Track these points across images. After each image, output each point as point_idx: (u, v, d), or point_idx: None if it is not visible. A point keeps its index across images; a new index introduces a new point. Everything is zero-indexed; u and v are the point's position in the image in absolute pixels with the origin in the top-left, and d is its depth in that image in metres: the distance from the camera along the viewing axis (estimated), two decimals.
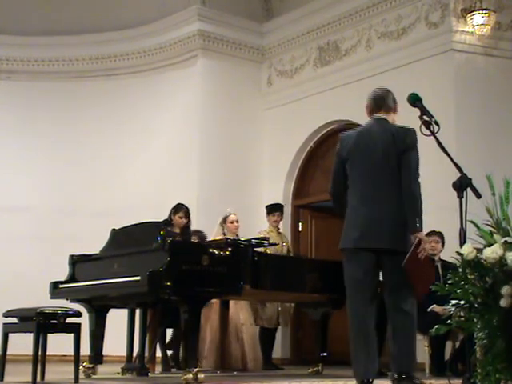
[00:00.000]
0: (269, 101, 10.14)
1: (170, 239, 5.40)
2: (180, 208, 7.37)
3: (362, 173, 4.56)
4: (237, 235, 7.34)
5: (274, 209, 8.40)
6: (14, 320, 5.77)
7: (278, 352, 8.87)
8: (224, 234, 7.51)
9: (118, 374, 6.29)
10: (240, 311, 7.59)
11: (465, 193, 3.98)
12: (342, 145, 4.71)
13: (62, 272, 6.44)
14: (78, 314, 5.65)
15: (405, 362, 4.50)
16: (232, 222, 7.59)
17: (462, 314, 3.50)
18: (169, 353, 7.65)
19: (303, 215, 9.91)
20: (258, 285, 5.97)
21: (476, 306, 3.40)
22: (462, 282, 3.44)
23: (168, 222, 7.18)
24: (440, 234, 7.16)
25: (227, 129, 9.84)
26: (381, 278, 4.68)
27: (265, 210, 8.49)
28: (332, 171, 4.77)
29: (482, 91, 8.13)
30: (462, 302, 3.45)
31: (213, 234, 7.49)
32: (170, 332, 7.71)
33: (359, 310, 4.55)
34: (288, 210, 9.62)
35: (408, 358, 4.51)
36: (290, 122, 9.81)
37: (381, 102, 4.70)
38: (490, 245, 3.41)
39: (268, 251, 7.41)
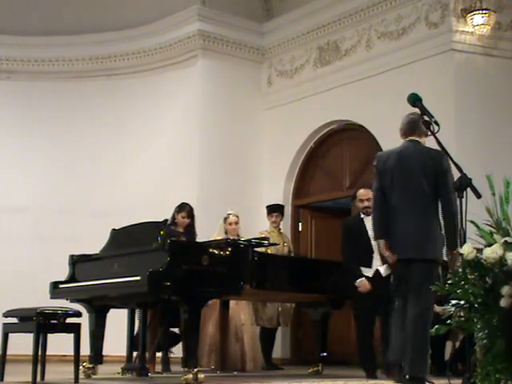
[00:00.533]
0: (269, 101, 10.14)
1: (169, 239, 5.40)
2: (183, 207, 7.36)
3: (401, 189, 5.08)
4: (238, 235, 7.34)
5: (272, 209, 8.41)
6: (14, 320, 5.77)
7: (278, 352, 8.86)
8: (226, 233, 7.53)
9: (118, 373, 6.28)
10: (241, 311, 7.59)
11: (465, 193, 3.99)
12: (379, 162, 5.25)
13: (62, 272, 6.44)
14: (78, 314, 5.65)
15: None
16: (230, 224, 7.59)
17: (461, 313, 3.50)
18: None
19: (303, 215, 9.91)
20: (258, 285, 5.97)
21: (476, 306, 3.40)
22: (462, 282, 3.44)
23: (171, 222, 7.19)
24: None
25: (227, 129, 9.83)
26: None
27: (265, 210, 8.50)
28: (373, 187, 5.35)
29: (482, 91, 8.13)
30: (462, 302, 3.45)
31: (214, 234, 7.49)
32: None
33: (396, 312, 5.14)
34: (288, 210, 9.61)
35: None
36: (290, 122, 9.80)
37: (415, 126, 5.13)
38: (489, 245, 3.41)
39: (269, 251, 7.42)
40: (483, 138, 8.00)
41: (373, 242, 6.11)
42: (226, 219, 7.63)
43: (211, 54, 9.87)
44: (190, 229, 7.31)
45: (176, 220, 7.29)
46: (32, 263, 9.59)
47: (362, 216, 6.62)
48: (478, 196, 3.88)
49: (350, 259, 6.54)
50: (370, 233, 6.05)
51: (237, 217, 7.64)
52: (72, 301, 6.34)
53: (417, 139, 5.13)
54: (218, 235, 7.39)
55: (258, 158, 10.00)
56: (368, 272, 6.49)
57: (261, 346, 7.98)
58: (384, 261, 6.07)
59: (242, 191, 9.65)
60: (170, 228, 7.11)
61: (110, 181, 9.94)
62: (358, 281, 6.48)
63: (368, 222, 6.24)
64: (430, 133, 4.35)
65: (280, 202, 8.93)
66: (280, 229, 8.44)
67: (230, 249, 5.60)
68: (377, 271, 6.45)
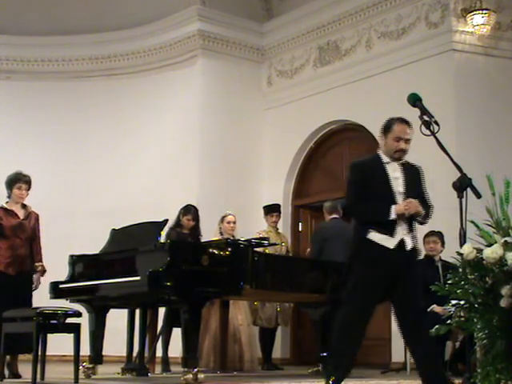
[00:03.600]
0: (269, 101, 10.14)
1: (169, 240, 5.41)
2: (189, 210, 7.36)
3: None
4: (233, 236, 7.35)
5: (272, 209, 8.40)
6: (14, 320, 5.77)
7: (277, 352, 8.86)
8: (221, 233, 7.54)
9: (118, 374, 6.28)
10: (238, 312, 7.58)
11: (465, 193, 3.98)
12: None
13: (62, 272, 6.43)
14: (78, 314, 5.65)
15: None
16: (228, 223, 7.60)
17: (461, 313, 3.50)
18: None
19: (303, 215, 9.90)
20: (258, 285, 5.96)
21: (476, 306, 3.40)
22: (462, 282, 3.44)
23: (176, 223, 7.21)
24: (439, 234, 7.16)
25: (227, 129, 9.83)
26: None
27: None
28: None
29: (482, 91, 8.13)
30: (462, 302, 3.45)
31: (213, 233, 7.51)
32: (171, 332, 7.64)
33: None
34: (288, 210, 9.62)
35: None
36: (290, 122, 9.80)
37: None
38: (490, 245, 3.41)
39: (267, 251, 7.41)
40: (483, 137, 8.00)
41: (398, 198, 4.34)
42: (223, 217, 7.65)
43: (211, 53, 9.87)
44: (196, 230, 7.32)
45: (181, 222, 7.30)
46: None
47: (387, 160, 4.50)
48: (478, 196, 3.87)
49: (361, 204, 4.42)
50: (396, 186, 4.37)
51: (234, 217, 7.65)
52: (72, 301, 6.34)
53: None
54: (214, 235, 7.41)
55: (257, 158, 10.00)
56: (388, 242, 4.30)
57: (260, 346, 7.96)
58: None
59: (242, 191, 9.64)
60: (177, 230, 7.14)
61: (110, 181, 9.93)
62: (392, 209, 4.28)
63: (394, 171, 4.42)
64: (429, 132, 4.33)
65: (280, 202, 8.92)
66: (278, 228, 8.44)
67: (230, 249, 5.60)
68: (401, 242, 4.32)
